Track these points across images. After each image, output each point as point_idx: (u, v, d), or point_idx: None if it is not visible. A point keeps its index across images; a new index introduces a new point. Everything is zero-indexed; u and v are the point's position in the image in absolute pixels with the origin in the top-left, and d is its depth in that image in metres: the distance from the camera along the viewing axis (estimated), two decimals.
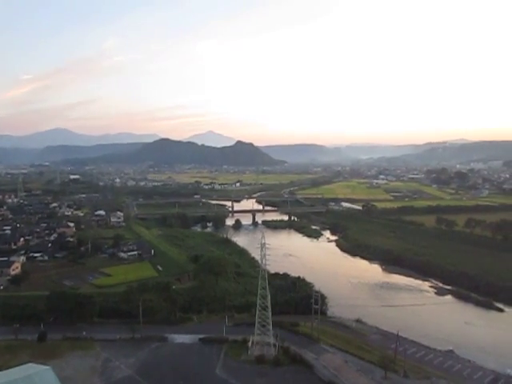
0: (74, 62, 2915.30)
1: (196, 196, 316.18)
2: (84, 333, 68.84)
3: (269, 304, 63.11)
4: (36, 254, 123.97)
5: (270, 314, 63.36)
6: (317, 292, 76.23)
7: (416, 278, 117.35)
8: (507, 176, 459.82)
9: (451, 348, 69.64)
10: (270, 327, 63.21)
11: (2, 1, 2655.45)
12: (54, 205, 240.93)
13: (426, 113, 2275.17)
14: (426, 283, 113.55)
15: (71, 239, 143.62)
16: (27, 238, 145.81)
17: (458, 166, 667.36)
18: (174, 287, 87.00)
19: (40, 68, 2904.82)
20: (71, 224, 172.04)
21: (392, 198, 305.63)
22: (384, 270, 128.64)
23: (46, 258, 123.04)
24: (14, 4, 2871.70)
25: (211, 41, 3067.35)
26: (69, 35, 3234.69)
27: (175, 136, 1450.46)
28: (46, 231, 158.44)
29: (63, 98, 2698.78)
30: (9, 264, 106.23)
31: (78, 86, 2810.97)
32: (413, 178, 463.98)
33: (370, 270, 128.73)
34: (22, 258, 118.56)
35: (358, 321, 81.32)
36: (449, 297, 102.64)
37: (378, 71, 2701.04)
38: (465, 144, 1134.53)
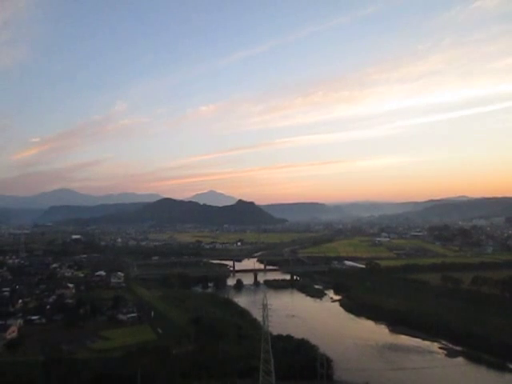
0: (81, 126, 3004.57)
1: (197, 256, 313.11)
2: None
3: (272, 368, 60.75)
4: (34, 317, 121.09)
5: (274, 379, 60.78)
6: (322, 355, 73.73)
7: (424, 339, 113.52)
8: (510, 232, 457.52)
9: None
10: None
11: (12, 67, 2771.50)
12: (55, 265, 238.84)
13: (425, 170, 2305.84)
14: (435, 344, 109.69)
15: (70, 301, 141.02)
16: (26, 299, 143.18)
17: (460, 222, 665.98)
18: (173, 351, 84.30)
19: (48, 131, 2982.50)
20: (71, 285, 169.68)
21: (395, 255, 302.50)
22: (391, 330, 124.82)
23: (44, 320, 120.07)
24: (23, 70, 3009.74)
25: (215, 104, 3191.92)
26: (77, 100, 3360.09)
27: (177, 195, 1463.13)
28: (45, 293, 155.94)
29: (69, 159, 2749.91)
30: (5, 328, 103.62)
31: (83, 148, 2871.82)
32: (415, 236, 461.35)
33: (377, 331, 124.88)
34: (19, 321, 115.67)
35: None
36: (460, 359, 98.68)
37: (374, 132, 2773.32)
38: (466, 200, 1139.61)
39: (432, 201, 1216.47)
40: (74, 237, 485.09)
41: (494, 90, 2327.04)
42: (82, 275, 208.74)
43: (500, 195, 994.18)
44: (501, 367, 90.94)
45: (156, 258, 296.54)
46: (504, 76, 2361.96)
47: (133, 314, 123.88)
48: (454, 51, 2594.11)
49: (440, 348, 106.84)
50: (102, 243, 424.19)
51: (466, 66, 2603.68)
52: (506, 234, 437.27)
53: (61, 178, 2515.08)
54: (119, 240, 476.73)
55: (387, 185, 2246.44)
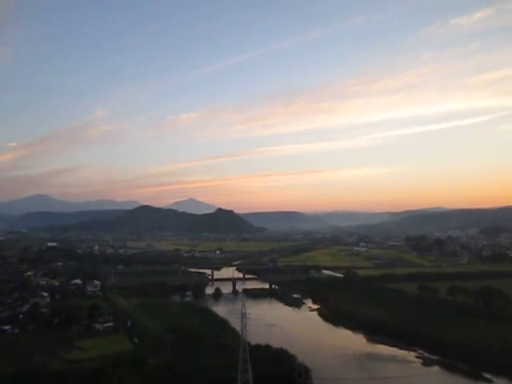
0: (60, 131, 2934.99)
1: (175, 264, 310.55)
2: None
3: (250, 378, 60.49)
4: (6, 327, 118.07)
5: None
6: (300, 364, 73.72)
7: (401, 348, 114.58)
8: (485, 243, 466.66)
9: None
10: None
11: None
12: (29, 273, 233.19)
13: (402, 181, 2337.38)
14: (412, 353, 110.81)
15: (44, 310, 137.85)
16: None
17: (436, 233, 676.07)
18: (150, 361, 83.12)
19: (26, 136, 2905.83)
20: (45, 294, 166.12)
21: (373, 265, 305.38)
22: (368, 340, 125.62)
23: (17, 330, 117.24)
24: (0, 74, 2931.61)
25: (196, 112, 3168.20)
26: (57, 105, 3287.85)
27: (156, 203, 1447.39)
28: (19, 302, 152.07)
29: (47, 165, 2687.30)
30: None
31: (62, 154, 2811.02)
32: (392, 246, 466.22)
33: (354, 341, 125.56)
34: None
35: None
36: (436, 367, 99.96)
37: (353, 142, 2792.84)
38: (442, 212, 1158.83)
39: (409, 211, 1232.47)
40: (50, 244, 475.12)
41: (469, 105, 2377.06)
42: (57, 284, 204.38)
43: (475, 207, 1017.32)
44: (475, 376, 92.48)
45: (133, 266, 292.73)
46: (478, 92, 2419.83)
47: (109, 324, 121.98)
48: (431, 66, 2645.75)
49: (416, 357, 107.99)
50: (79, 251, 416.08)
51: (443, 80, 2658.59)
52: (480, 245, 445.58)
53: (37, 184, 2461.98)
54: (96, 248, 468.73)
55: (365, 195, 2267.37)
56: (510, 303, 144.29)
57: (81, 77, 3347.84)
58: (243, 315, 61.78)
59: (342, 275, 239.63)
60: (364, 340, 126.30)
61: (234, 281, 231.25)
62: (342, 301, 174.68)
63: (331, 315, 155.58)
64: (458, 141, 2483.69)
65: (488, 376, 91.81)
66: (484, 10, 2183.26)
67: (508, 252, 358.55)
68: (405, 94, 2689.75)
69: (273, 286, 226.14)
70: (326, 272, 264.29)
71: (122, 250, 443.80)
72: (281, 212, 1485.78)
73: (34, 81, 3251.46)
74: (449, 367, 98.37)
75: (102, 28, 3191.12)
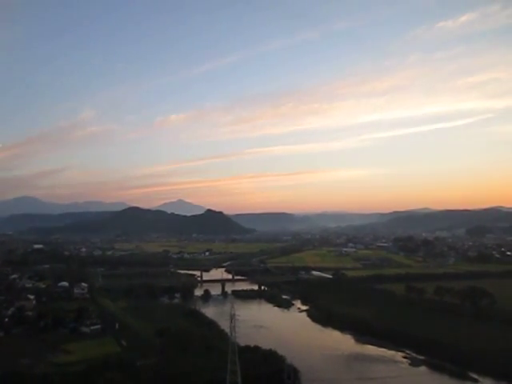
0: (47, 132, 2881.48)
1: (165, 266, 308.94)
2: None
3: (239, 380, 60.33)
4: None
5: None
6: (289, 366, 73.74)
7: (389, 349, 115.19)
8: (470, 244, 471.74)
9: None
10: None
11: None
12: (14, 276, 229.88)
13: (390, 182, 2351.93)
14: (400, 353, 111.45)
15: (30, 313, 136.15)
16: None
17: (423, 234, 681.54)
18: (138, 364, 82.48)
19: (11, 137, 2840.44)
20: (31, 296, 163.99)
21: (361, 266, 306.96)
22: (357, 340, 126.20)
23: (2, 334, 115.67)
24: None
25: (185, 113, 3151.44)
26: (43, 106, 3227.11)
27: (145, 204, 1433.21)
28: (4, 305, 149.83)
29: (33, 166, 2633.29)
30: None
31: (49, 155, 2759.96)
32: (381, 246, 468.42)
33: (343, 341, 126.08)
34: None
35: None
36: (423, 368, 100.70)
37: (341, 144, 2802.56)
38: (429, 213, 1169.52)
39: (396, 212, 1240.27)
40: (36, 246, 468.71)
41: (455, 106, 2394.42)
42: (43, 286, 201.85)
43: (461, 208, 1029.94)
44: (462, 376, 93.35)
45: (121, 268, 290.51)
46: (464, 94, 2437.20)
47: (96, 326, 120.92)
48: (418, 69, 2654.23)
49: (404, 357, 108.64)
50: (66, 253, 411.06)
51: (429, 83, 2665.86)
52: (466, 246, 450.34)
53: (23, 186, 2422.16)
54: (83, 250, 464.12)
55: (354, 196, 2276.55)
56: (495, 303, 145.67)
57: (68, 77, 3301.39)
58: (232, 317, 61.65)
59: (330, 276, 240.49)
60: (352, 341, 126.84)
61: (223, 282, 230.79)
62: (331, 302, 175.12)
63: (320, 316, 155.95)
64: (445, 142, 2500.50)
65: (475, 376, 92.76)
66: (469, 13, 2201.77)
67: (493, 252, 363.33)
68: (392, 96, 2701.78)
69: (262, 288, 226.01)
70: (315, 273, 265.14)
71: (109, 252, 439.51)
72: (270, 213, 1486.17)
73: (20, 81, 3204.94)
74: (436, 367, 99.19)
75: (89, 28, 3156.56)
